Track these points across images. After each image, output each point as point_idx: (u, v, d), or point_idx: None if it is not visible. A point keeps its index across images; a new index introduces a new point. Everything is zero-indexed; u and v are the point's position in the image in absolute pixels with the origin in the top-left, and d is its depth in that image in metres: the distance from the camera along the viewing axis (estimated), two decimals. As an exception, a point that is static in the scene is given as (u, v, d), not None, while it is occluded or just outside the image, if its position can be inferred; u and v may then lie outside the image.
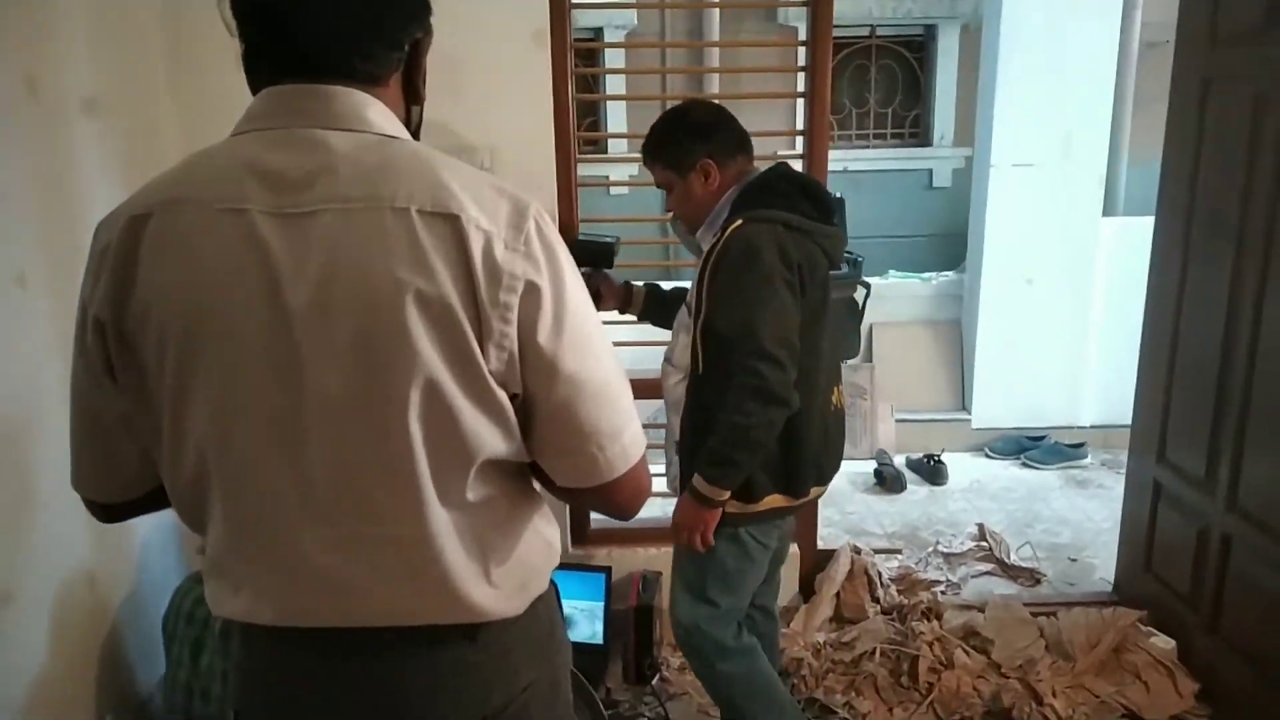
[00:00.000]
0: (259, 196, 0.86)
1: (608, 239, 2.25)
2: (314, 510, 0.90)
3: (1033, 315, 4.40)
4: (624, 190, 5.29)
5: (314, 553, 0.91)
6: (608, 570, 2.69)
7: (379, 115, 0.92)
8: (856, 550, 2.95)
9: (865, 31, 6.30)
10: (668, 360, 2.01)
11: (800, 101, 2.70)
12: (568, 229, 2.61)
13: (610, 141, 5.69)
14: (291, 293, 0.85)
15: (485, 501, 0.94)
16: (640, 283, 2.27)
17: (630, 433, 0.97)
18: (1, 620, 1.74)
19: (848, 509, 3.85)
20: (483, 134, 2.51)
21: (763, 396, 1.72)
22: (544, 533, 1.05)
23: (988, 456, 4.41)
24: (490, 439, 0.90)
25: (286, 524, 0.91)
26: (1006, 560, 3.25)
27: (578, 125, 2.77)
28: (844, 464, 4.12)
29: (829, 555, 2.95)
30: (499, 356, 0.87)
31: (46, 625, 1.87)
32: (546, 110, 2.52)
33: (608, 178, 5.32)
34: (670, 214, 2.05)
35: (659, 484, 2.17)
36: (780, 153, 3.75)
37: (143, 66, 2.32)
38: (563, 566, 2.66)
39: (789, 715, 2.07)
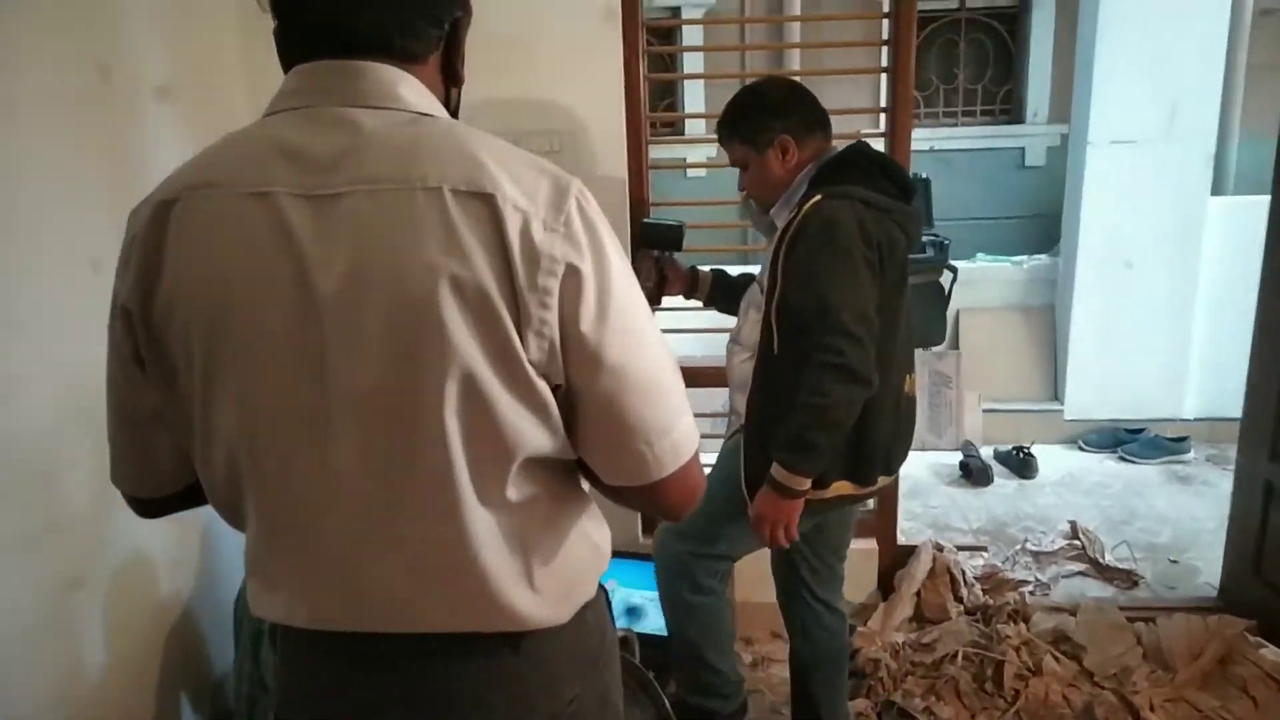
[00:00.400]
0: (286, 178, 0.82)
1: (671, 222, 2.18)
2: (346, 511, 0.86)
3: (1132, 300, 4.17)
4: (701, 173, 5.19)
5: (348, 555, 0.87)
6: (678, 561, 2.63)
7: (413, 92, 0.87)
8: (939, 547, 2.82)
9: (954, 4, 6.05)
10: (734, 340, 1.96)
11: (884, 77, 2.57)
12: (639, 212, 2.54)
13: (687, 123, 5.59)
14: (320, 281, 0.80)
15: (528, 501, 0.89)
16: (707, 268, 2.20)
17: (681, 428, 0.90)
18: (73, 605, 1.77)
19: (931, 502, 3.71)
20: (552, 116, 2.45)
21: (843, 375, 1.65)
22: (592, 535, 0.99)
23: (1081, 450, 4.21)
24: (531, 434, 0.85)
25: (318, 524, 0.87)
26: (1101, 560, 3.08)
27: (653, 107, 2.69)
28: (928, 455, 4.12)
29: (909, 551, 2.84)
30: (539, 345, 0.82)
31: (118, 610, 1.89)
32: (617, 91, 2.45)
33: (684, 160, 5.22)
34: (744, 194, 1.98)
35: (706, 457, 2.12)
36: (863, 131, 3.62)
37: (216, 51, 2.33)
38: (632, 555, 2.65)
39: (727, 661, 2.14)
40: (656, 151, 2.65)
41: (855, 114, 2.89)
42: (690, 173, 5.36)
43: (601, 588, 1.03)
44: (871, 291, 1.70)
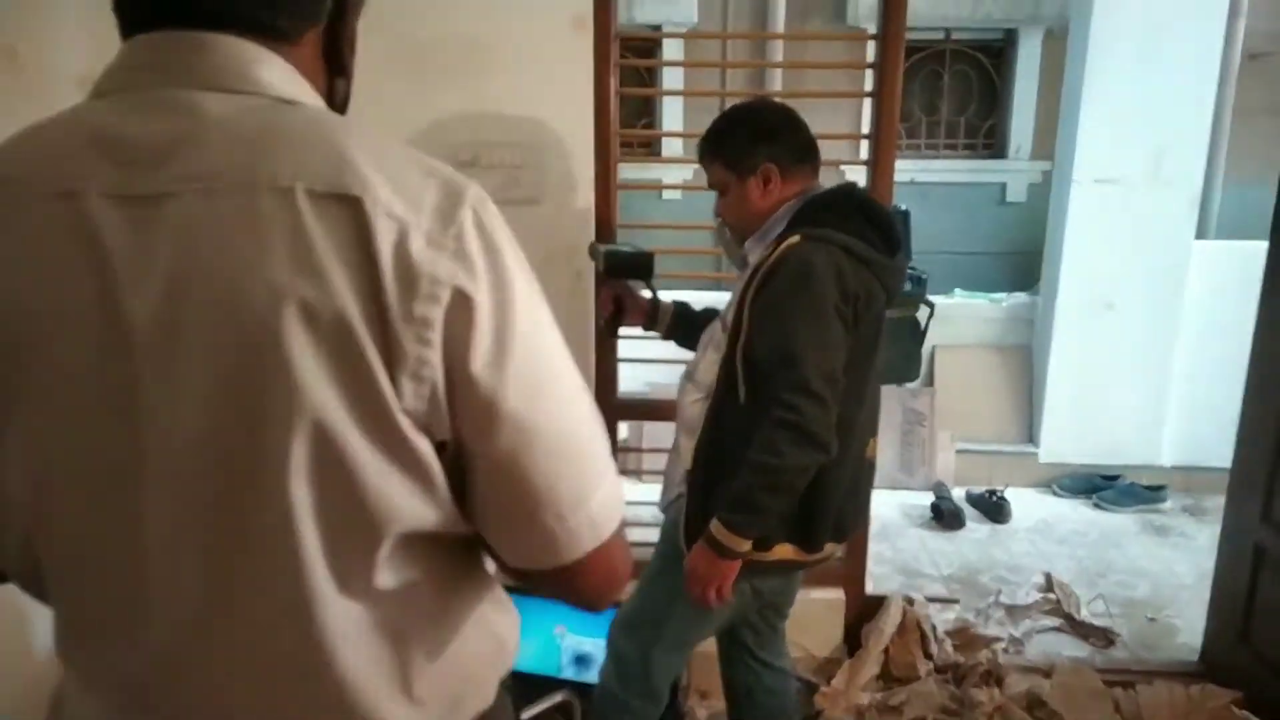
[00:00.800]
0: (101, 175, 0.65)
1: (638, 250, 2.02)
2: (162, 599, 0.68)
3: (1111, 343, 4.06)
4: (676, 195, 5.04)
5: (167, 655, 0.69)
6: (631, 608, 2.46)
7: (277, 75, 0.71)
8: (909, 600, 2.67)
9: (939, 35, 5.97)
10: (688, 376, 1.82)
11: (867, 103, 2.44)
12: (604, 235, 2.38)
13: (664, 143, 5.46)
14: (131, 305, 0.64)
15: (405, 589, 0.71)
16: (668, 298, 2.05)
17: (601, 497, 0.74)
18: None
19: (900, 544, 3.57)
20: (514, 128, 2.29)
21: (799, 437, 1.53)
22: (495, 625, 0.81)
23: (1055, 495, 4.08)
24: (407, 504, 0.68)
25: (129, 616, 0.69)
26: (1076, 616, 2.94)
27: (630, 125, 2.54)
28: (899, 495, 3.98)
29: (878, 602, 2.68)
30: (417, 391, 0.65)
31: None
32: (586, 105, 2.30)
33: (659, 181, 5.08)
34: (719, 220, 1.83)
35: (644, 512, 1.84)
36: (843, 160, 3.51)
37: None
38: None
39: None
40: (629, 171, 2.49)
41: (836, 139, 2.76)
42: (665, 194, 5.22)
43: (503, 691, 0.85)
44: (841, 348, 1.58)
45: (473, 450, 0.69)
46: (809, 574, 1.91)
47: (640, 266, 1.99)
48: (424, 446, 0.67)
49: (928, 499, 3.88)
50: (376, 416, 0.65)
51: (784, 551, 1.69)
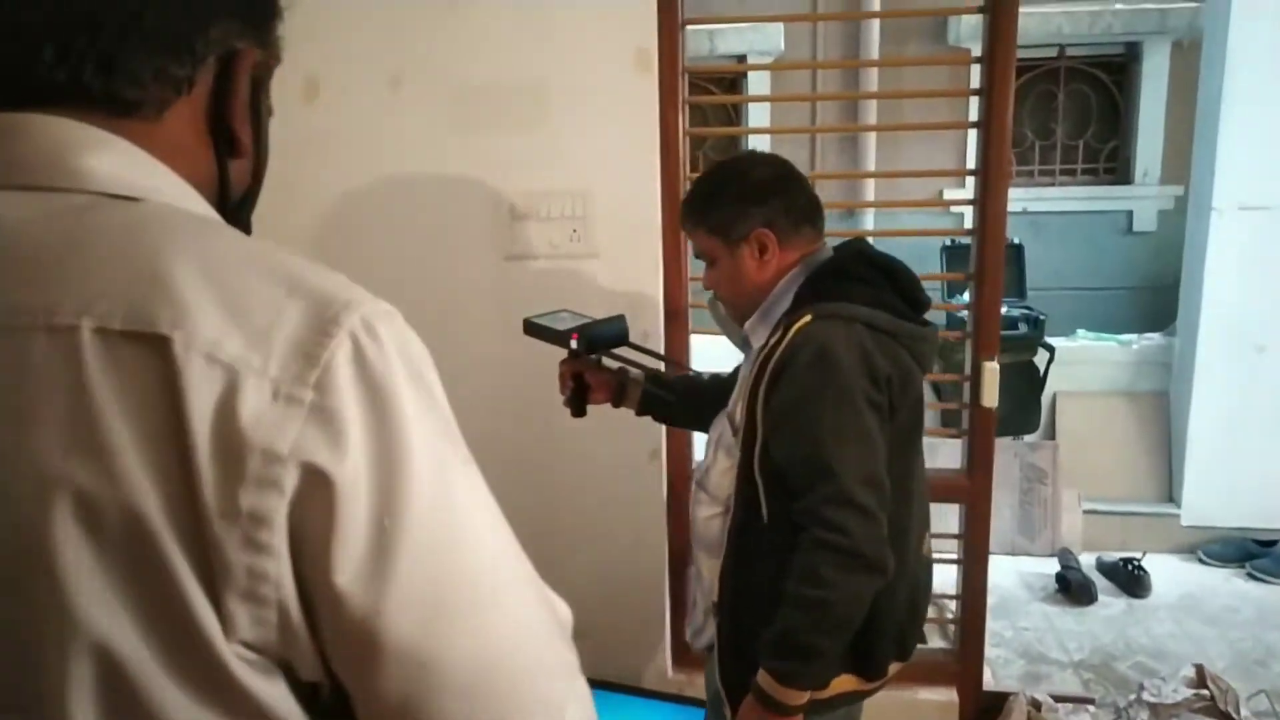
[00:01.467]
0: None
1: (606, 317, 1.71)
2: None
3: (1263, 389, 3.60)
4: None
5: None
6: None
7: (111, 163, 0.54)
8: (1035, 705, 2.31)
9: (1052, 52, 5.56)
10: (700, 485, 1.59)
11: (973, 133, 2.14)
12: (673, 291, 2.15)
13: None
14: None
15: None
16: (638, 371, 1.75)
17: None
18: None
19: (1022, 622, 3.18)
20: (572, 175, 2.09)
21: (848, 560, 1.30)
22: None
23: (1202, 563, 3.61)
24: None
25: None
26: (1235, 716, 2.52)
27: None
28: (1020, 562, 3.58)
29: (998, 702, 2.33)
30: (254, 616, 0.48)
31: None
32: (653, 147, 2.08)
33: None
34: (710, 294, 1.59)
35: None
36: (947, 194, 3.21)
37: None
38: (655, 695, 2.21)
39: None
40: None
41: (939, 176, 2.47)
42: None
43: None
44: (880, 445, 1.34)
45: (352, 692, 0.50)
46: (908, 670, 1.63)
47: (605, 338, 1.67)
48: (272, 692, 0.48)
49: (1052, 567, 3.48)
50: (190, 652, 0.47)
51: (844, 684, 1.46)
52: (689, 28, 2.14)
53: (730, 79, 5.12)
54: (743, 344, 1.56)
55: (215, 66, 0.60)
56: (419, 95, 2.12)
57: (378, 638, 0.49)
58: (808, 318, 1.36)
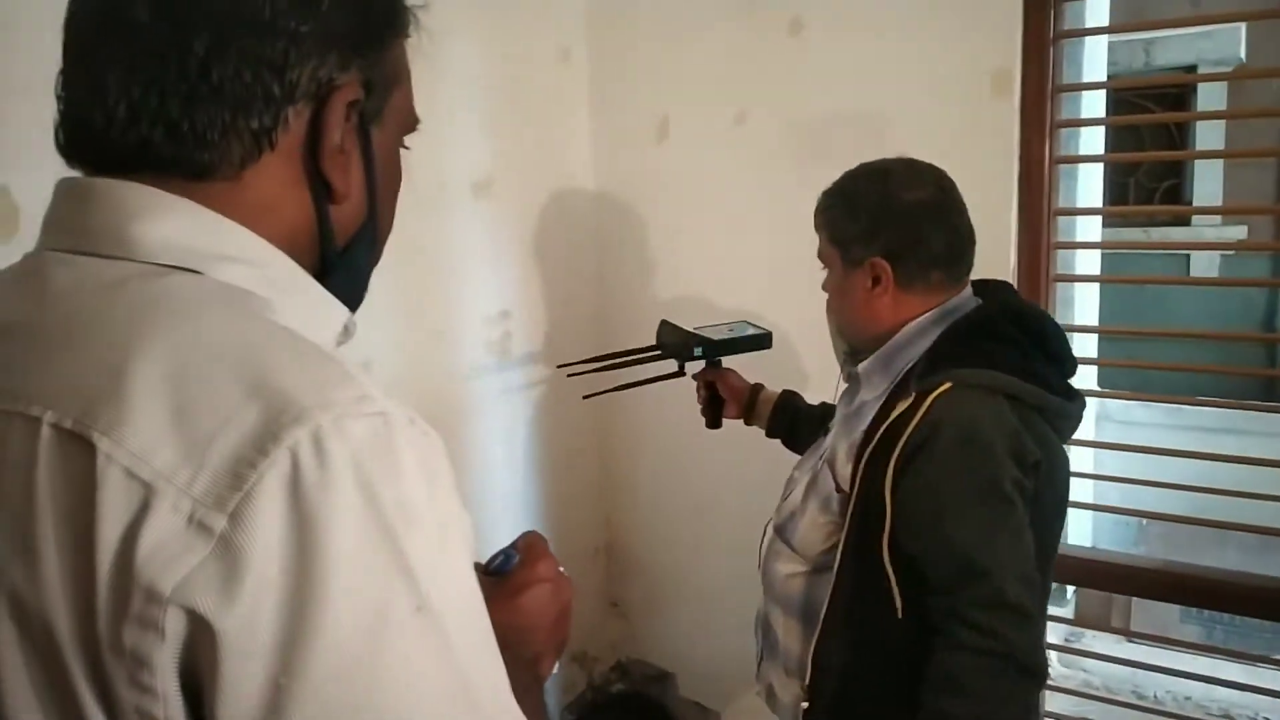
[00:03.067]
0: None
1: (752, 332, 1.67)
2: None
3: None
4: (1210, 265, 3.99)
5: None
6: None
7: (170, 229, 0.53)
8: None
9: None
10: (780, 534, 1.40)
11: None
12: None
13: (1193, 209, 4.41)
14: None
15: None
16: (776, 389, 1.68)
17: None
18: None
19: None
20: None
21: (1006, 668, 1.13)
22: None
23: None
24: None
25: None
26: None
27: (1154, 186, 1.99)
28: None
29: None
30: None
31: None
32: (1008, 180, 1.84)
33: (1174, 271, 4.09)
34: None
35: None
36: None
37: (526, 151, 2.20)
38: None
39: None
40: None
41: None
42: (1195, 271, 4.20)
43: None
44: (1030, 539, 1.17)
45: None
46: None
47: (734, 348, 1.64)
48: None
49: None
50: None
51: None
52: (1092, 40, 1.86)
53: (1175, 94, 4.41)
54: (851, 379, 1.37)
55: (310, 106, 0.56)
56: (761, 129, 2.09)
57: None
58: (947, 385, 1.17)
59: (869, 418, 1.25)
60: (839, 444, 1.32)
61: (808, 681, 1.34)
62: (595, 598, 2.51)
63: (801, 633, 1.36)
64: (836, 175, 1.51)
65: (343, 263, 0.62)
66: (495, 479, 2.14)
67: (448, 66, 1.90)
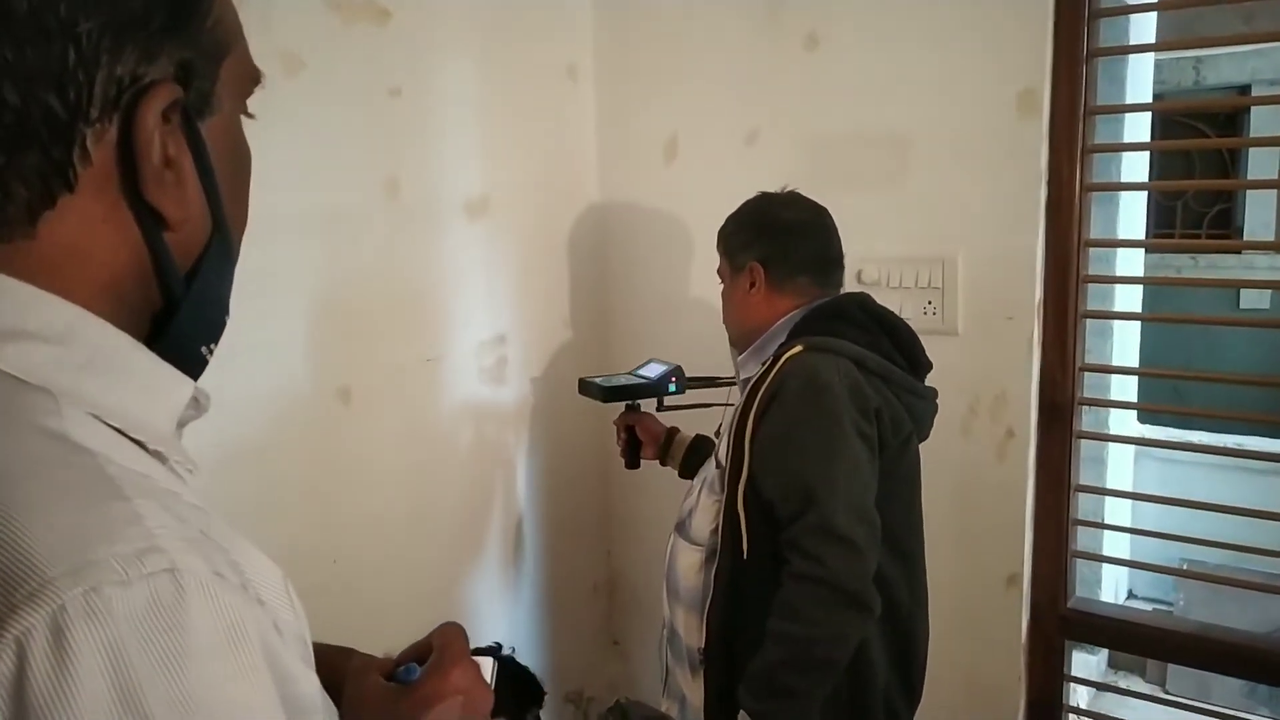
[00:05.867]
0: None
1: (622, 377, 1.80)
2: None
3: None
4: (1261, 300, 3.79)
5: None
6: None
7: None
8: None
9: None
10: (680, 532, 1.54)
11: None
12: (1054, 386, 1.73)
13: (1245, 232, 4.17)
14: None
15: None
16: (685, 435, 1.80)
17: None
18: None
19: None
20: (933, 239, 1.80)
21: (829, 594, 1.26)
22: None
23: None
24: None
25: None
26: None
27: (1203, 211, 1.87)
28: None
29: None
30: None
31: None
32: (1035, 206, 1.71)
33: (1215, 314, 3.88)
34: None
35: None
36: None
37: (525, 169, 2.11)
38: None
39: None
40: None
41: None
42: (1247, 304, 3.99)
43: None
44: (869, 476, 1.32)
45: None
46: None
47: (637, 392, 1.77)
48: None
49: None
50: None
51: None
52: (1124, 59, 1.73)
53: (1227, 116, 4.21)
54: (736, 370, 1.55)
55: (116, 122, 0.45)
56: (774, 149, 1.98)
57: None
58: (798, 348, 1.35)
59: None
60: (725, 431, 1.46)
61: (702, 651, 1.43)
62: (594, 635, 2.39)
63: (695, 620, 1.46)
64: (853, 198, 1.68)
65: (192, 293, 0.51)
66: (489, 513, 2.04)
67: (447, 83, 1.82)
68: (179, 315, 0.50)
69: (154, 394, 0.49)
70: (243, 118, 0.55)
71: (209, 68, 0.49)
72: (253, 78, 0.54)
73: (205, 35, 0.49)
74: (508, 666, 1.66)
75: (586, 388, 1.83)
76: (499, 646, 1.82)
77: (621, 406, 1.82)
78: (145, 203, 0.47)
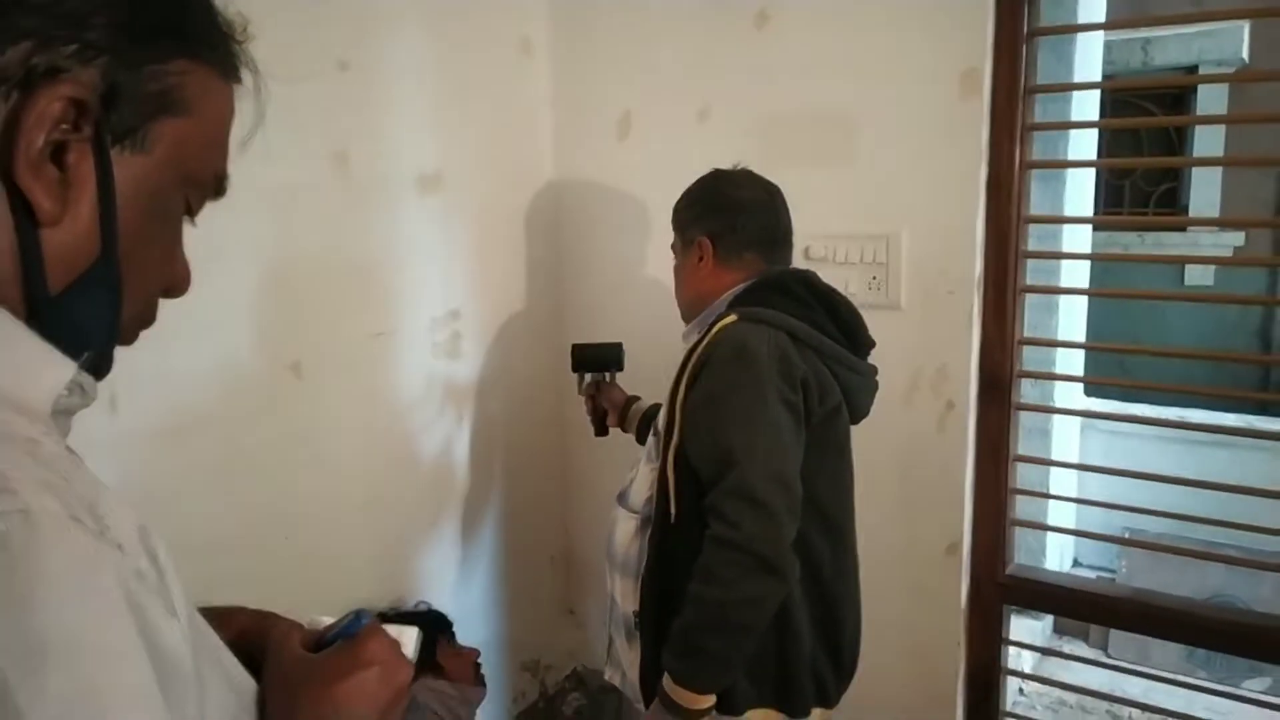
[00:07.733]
0: None
1: (606, 342, 1.89)
2: None
3: None
4: (1206, 277, 3.89)
5: None
6: None
7: None
8: None
9: None
10: (621, 501, 1.56)
11: None
12: (993, 364, 1.78)
13: (1192, 213, 4.28)
14: None
15: None
16: (644, 402, 1.86)
17: None
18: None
19: None
20: (878, 216, 1.83)
21: (742, 557, 1.26)
22: None
23: None
24: None
25: None
26: None
27: (1150, 190, 1.91)
28: None
29: None
30: None
31: None
32: (976, 184, 1.75)
33: (1166, 288, 3.97)
34: None
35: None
36: None
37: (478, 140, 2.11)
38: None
39: None
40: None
41: None
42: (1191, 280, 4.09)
43: None
44: (792, 445, 1.32)
45: None
46: None
47: (600, 359, 1.86)
48: None
49: None
50: None
51: (762, 717, 1.39)
52: (1103, 39, 1.76)
53: (1174, 96, 4.30)
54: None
55: (13, 98, 0.44)
56: (725, 126, 2.00)
57: None
58: (732, 318, 1.36)
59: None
60: (664, 405, 1.46)
61: (635, 609, 1.45)
62: (551, 605, 2.43)
63: (631, 585, 1.47)
64: (802, 175, 1.69)
65: (56, 309, 0.49)
66: (445, 486, 2.06)
67: (397, 55, 1.82)
68: (39, 317, 0.49)
69: (25, 369, 0.47)
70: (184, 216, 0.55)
71: (145, 108, 0.49)
72: (212, 178, 0.55)
73: (155, 79, 0.50)
74: (429, 630, 1.71)
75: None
76: (425, 608, 1.86)
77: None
78: (13, 185, 0.46)
